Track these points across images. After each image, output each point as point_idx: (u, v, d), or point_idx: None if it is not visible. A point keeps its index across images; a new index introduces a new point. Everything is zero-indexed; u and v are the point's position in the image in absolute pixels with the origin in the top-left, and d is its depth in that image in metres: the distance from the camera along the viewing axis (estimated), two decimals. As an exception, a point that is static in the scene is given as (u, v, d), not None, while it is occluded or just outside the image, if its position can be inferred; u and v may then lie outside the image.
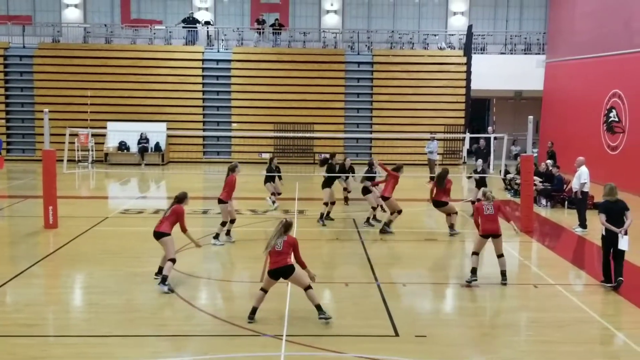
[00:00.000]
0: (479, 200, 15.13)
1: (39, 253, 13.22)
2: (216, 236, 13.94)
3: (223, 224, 14.01)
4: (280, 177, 18.42)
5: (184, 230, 11.05)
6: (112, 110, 29.55)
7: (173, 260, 10.80)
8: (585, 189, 15.91)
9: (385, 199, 15.33)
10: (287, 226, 9.47)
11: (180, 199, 11.28)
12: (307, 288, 9.34)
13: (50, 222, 15.15)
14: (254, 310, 9.37)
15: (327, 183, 16.53)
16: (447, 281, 11.82)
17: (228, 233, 14.23)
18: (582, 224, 15.86)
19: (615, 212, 10.99)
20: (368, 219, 16.21)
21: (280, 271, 9.26)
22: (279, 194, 18.32)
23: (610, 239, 10.98)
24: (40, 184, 16.37)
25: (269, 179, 18.07)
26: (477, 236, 11.61)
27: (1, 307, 10.16)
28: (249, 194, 19.10)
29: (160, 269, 11.03)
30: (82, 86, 29.59)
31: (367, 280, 11.60)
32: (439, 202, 15.13)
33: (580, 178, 15.87)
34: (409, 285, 11.39)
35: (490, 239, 11.37)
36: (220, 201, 13.88)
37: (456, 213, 15.35)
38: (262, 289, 9.45)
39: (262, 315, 9.50)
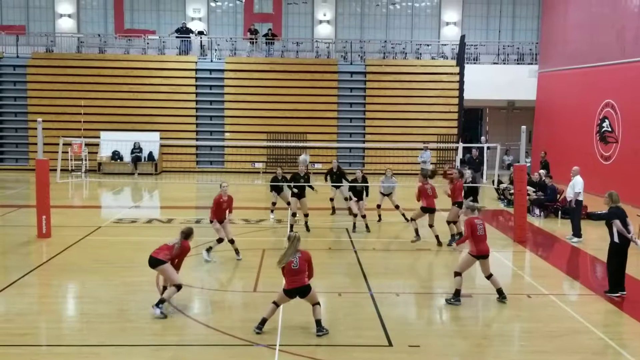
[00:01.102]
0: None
1: (31, 262, 13.15)
2: (208, 249, 13.59)
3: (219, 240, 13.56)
4: (311, 187, 17.47)
5: (177, 268, 10.34)
6: (105, 120, 29.52)
7: (179, 287, 10.15)
8: (580, 198, 15.97)
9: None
10: (299, 240, 9.40)
11: (187, 234, 10.48)
12: (317, 304, 9.31)
13: (43, 232, 15.09)
14: (263, 322, 9.26)
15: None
16: (440, 291, 11.81)
17: (209, 249, 13.46)
18: (577, 233, 15.91)
19: (622, 219, 11.06)
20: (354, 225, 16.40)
21: (298, 291, 9.21)
22: (288, 203, 17.74)
23: (623, 247, 11.02)
24: (34, 193, 16.30)
25: (274, 188, 17.83)
26: (467, 256, 11.08)
27: (-7, 317, 10.11)
28: (242, 204, 19.03)
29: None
30: (75, 96, 29.55)
31: (360, 290, 11.58)
32: (431, 209, 15.07)
33: (575, 187, 15.91)
34: (402, 295, 11.39)
35: (479, 260, 10.95)
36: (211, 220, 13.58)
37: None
38: (274, 303, 9.34)
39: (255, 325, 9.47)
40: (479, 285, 11.86)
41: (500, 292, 10.95)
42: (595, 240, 15.85)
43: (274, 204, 18.02)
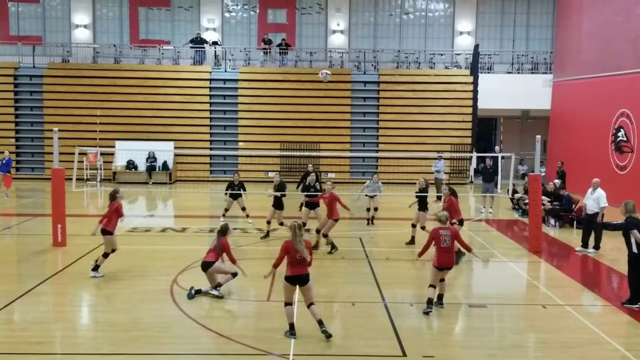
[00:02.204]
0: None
1: (47, 271, 13.25)
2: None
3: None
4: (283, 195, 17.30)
5: (232, 261, 11.45)
6: (120, 130, 29.74)
7: (234, 274, 11.50)
8: (594, 211, 15.80)
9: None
10: (301, 227, 9.81)
11: (224, 231, 11.66)
12: (311, 304, 9.48)
13: (58, 240, 15.20)
14: (291, 326, 9.50)
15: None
16: (454, 301, 11.75)
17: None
18: (597, 245, 15.79)
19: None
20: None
21: (300, 279, 9.51)
22: (243, 209, 18.70)
23: None
24: (49, 202, 16.42)
25: (231, 195, 18.49)
26: (432, 269, 10.93)
27: (9, 324, 10.18)
28: (256, 213, 19.06)
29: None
30: (91, 105, 29.80)
31: (373, 299, 11.55)
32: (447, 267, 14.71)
33: (600, 201, 15.67)
34: (416, 305, 11.34)
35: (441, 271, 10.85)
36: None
37: None
38: (287, 304, 9.56)
39: (269, 334, 9.48)
40: (492, 295, 11.80)
41: (440, 297, 11.02)
42: (611, 250, 15.73)
43: (226, 209, 18.69)
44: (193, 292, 11.41)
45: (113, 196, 12.98)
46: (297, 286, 9.56)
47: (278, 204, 16.94)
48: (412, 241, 16.09)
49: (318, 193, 16.52)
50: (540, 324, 10.53)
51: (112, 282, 12.42)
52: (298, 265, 9.50)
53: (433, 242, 10.89)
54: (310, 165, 23.01)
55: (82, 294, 11.94)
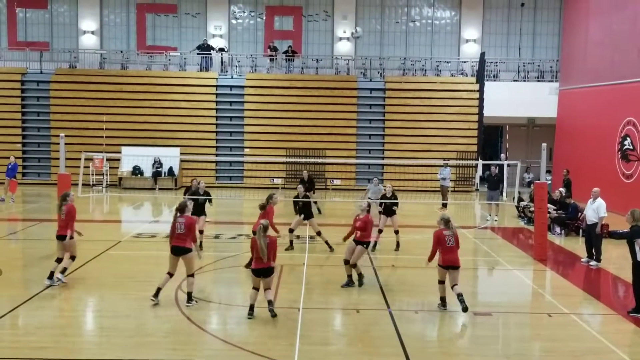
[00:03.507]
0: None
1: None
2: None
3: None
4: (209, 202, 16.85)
5: (194, 240, 11.46)
6: (126, 135, 29.84)
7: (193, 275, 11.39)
8: (603, 221, 15.64)
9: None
10: (265, 229, 10.55)
11: (182, 209, 11.52)
12: (269, 288, 10.68)
13: (63, 246, 15.17)
14: (251, 307, 10.58)
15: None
16: (459, 309, 11.70)
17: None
18: (598, 257, 15.54)
19: None
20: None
21: (263, 271, 10.51)
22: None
23: None
24: (55, 207, 16.43)
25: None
26: (438, 267, 11.16)
27: (14, 329, 10.20)
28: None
29: (190, 294, 11.27)
30: (97, 111, 29.93)
31: (378, 306, 11.52)
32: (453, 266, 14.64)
33: (599, 211, 15.36)
34: (421, 312, 11.31)
35: (448, 270, 11.03)
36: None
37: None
38: (254, 288, 10.67)
39: (273, 341, 9.46)
40: (498, 303, 11.75)
41: (461, 299, 10.81)
42: (617, 259, 15.66)
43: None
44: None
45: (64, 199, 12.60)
46: (263, 277, 10.55)
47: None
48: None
49: (307, 200, 16.48)
50: (546, 333, 10.49)
51: (116, 287, 12.43)
52: (261, 260, 10.45)
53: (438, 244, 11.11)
54: (305, 171, 22.63)
55: (87, 300, 11.94)
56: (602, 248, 15.56)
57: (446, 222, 11.17)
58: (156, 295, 11.19)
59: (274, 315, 10.45)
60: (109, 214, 23.73)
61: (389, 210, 16.28)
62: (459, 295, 10.85)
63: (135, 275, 13.42)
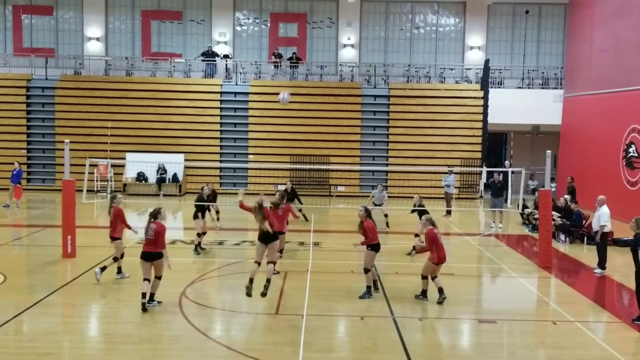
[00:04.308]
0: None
1: (56, 282, 13.27)
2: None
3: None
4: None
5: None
6: (131, 141, 29.90)
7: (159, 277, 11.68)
8: (606, 230, 15.50)
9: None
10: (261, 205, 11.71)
11: (155, 215, 11.86)
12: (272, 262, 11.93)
13: (68, 252, 15.24)
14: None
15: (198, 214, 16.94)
16: (464, 316, 11.69)
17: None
18: (602, 265, 15.45)
19: None
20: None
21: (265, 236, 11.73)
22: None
23: None
24: (59, 213, 16.49)
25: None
26: (430, 264, 12.18)
27: (18, 335, 10.20)
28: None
29: (152, 295, 11.54)
30: (102, 117, 29.99)
31: (382, 314, 11.50)
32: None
33: (600, 219, 15.36)
34: (425, 320, 11.29)
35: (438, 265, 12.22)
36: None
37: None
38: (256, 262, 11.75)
39: (277, 348, 9.45)
40: (502, 311, 11.72)
41: (440, 290, 12.09)
42: (622, 266, 15.61)
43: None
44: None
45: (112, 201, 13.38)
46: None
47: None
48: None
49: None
50: (551, 340, 10.46)
51: (121, 293, 12.45)
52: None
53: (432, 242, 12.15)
54: (288, 181, 22.72)
55: (91, 306, 11.95)
56: (607, 256, 15.52)
57: (432, 222, 12.39)
58: (149, 299, 11.46)
59: (264, 294, 11.39)
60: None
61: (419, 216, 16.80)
62: (441, 290, 12.11)
63: (139, 281, 13.37)
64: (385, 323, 10.96)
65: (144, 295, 11.30)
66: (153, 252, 11.41)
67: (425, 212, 16.28)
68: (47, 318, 10.96)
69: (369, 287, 12.53)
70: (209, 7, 33.24)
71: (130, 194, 28.67)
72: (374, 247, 12.51)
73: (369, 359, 9.30)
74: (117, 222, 13.36)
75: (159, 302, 11.53)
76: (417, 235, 15.95)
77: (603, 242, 15.58)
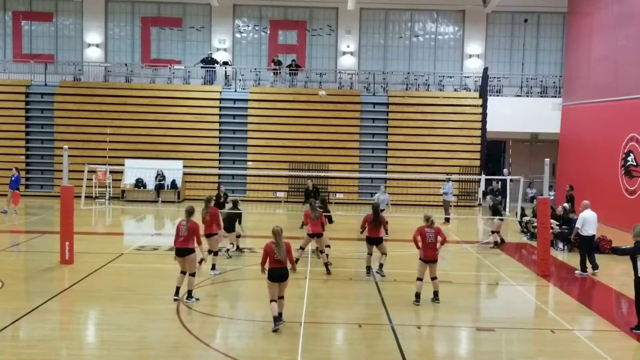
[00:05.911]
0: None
1: (54, 288, 13.25)
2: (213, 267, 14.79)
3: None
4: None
5: (199, 243, 12.33)
6: (130, 148, 29.91)
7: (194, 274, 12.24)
8: (584, 233, 15.88)
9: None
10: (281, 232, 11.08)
11: (191, 212, 12.47)
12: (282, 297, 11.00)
13: (66, 258, 15.21)
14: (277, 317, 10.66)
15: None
16: (462, 324, 11.67)
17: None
18: (583, 267, 15.82)
19: None
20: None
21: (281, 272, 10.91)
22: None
23: None
24: (58, 219, 16.47)
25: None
26: (419, 262, 12.58)
27: (15, 342, 10.17)
28: (264, 233, 19.04)
29: (190, 292, 12.13)
30: (101, 124, 30.00)
31: (381, 321, 11.49)
32: (375, 239, 14.84)
33: (578, 222, 16.05)
34: (424, 327, 11.27)
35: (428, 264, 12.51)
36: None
37: (386, 254, 15.05)
38: (272, 301, 10.84)
39: (275, 356, 9.43)
40: (500, 319, 11.71)
41: (435, 294, 12.56)
42: (620, 275, 15.62)
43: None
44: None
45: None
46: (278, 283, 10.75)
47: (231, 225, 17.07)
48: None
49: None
50: (549, 349, 10.44)
51: (118, 300, 12.42)
52: (277, 262, 10.74)
53: (419, 238, 12.57)
54: (309, 180, 23.93)
55: (89, 312, 11.93)
56: (604, 264, 15.64)
57: (427, 219, 12.66)
58: (177, 293, 12.13)
59: (276, 330, 10.49)
60: (112, 226, 23.72)
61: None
62: (436, 293, 12.54)
63: (138, 288, 13.40)
64: (383, 331, 10.94)
65: (177, 289, 12.15)
66: (185, 248, 12.01)
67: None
68: (45, 324, 10.92)
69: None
70: (209, 14, 33.33)
71: (129, 200, 28.67)
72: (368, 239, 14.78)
73: (367, 366, 9.28)
74: (213, 221, 14.49)
75: (197, 299, 12.10)
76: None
77: (582, 245, 15.79)
